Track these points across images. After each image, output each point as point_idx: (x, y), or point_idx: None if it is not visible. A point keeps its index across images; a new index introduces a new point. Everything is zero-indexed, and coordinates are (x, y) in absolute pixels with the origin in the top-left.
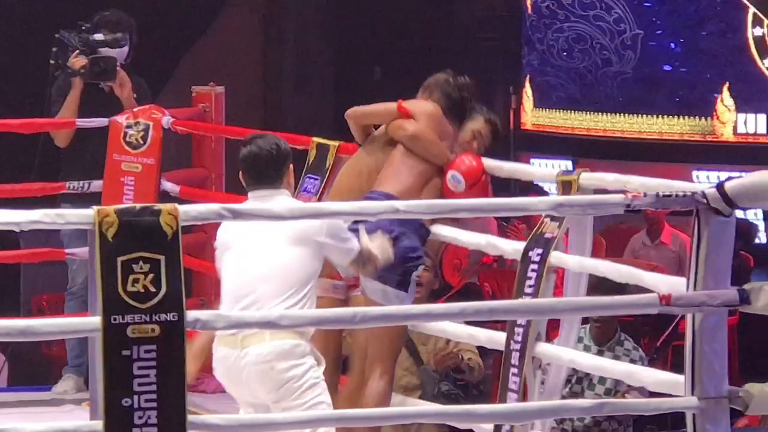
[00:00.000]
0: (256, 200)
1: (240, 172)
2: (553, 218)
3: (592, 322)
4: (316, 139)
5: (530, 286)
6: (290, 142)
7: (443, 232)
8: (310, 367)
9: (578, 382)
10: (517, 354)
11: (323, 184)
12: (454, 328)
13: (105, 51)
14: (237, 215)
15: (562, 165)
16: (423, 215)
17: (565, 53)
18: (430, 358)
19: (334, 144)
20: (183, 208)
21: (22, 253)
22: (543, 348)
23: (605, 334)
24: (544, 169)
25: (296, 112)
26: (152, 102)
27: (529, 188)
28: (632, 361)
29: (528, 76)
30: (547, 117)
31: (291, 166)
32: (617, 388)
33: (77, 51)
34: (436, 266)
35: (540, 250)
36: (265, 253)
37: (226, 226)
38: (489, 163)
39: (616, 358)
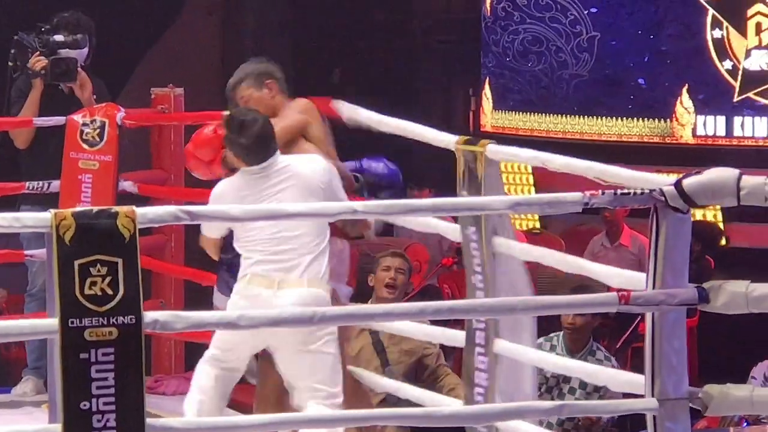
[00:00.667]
0: (288, 163)
1: (241, 157)
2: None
3: (565, 329)
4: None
5: (478, 265)
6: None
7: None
8: None
9: (548, 391)
10: (483, 335)
11: None
12: (414, 327)
13: (65, 52)
14: (194, 217)
15: (522, 167)
16: (381, 215)
17: (521, 56)
18: (400, 357)
19: None
20: (140, 211)
21: None
22: (503, 345)
23: (578, 342)
24: (440, 134)
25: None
26: (109, 101)
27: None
28: None
29: (487, 78)
30: (506, 119)
31: None
32: (589, 400)
33: (37, 52)
34: (411, 270)
35: (473, 228)
36: None
37: (221, 194)
38: (372, 116)
39: None
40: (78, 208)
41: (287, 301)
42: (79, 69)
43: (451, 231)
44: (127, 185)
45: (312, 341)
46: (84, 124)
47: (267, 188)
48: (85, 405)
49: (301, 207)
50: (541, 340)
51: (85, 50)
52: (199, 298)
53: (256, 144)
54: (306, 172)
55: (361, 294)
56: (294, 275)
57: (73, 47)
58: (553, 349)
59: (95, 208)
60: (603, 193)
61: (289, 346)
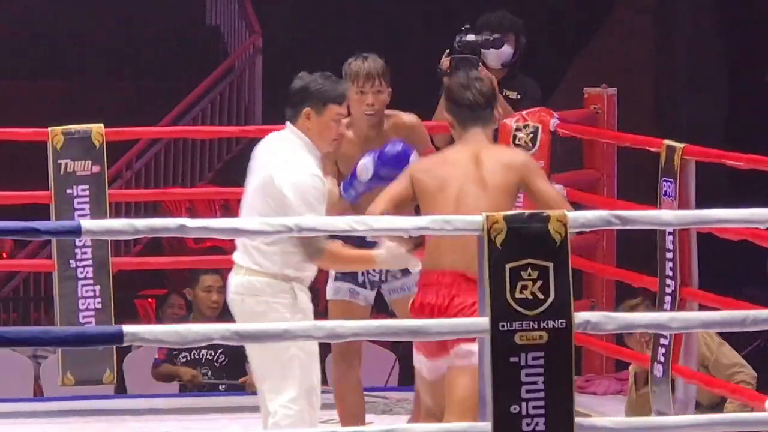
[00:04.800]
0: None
1: None
2: None
3: None
4: (666, 142)
5: None
6: (641, 144)
7: None
8: (283, 306)
9: None
10: None
11: (677, 187)
12: None
13: (489, 52)
14: (626, 222)
15: None
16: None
17: None
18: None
19: (680, 146)
20: (572, 215)
21: None
22: None
23: None
24: None
25: (689, 114)
26: (540, 102)
27: None
28: None
29: None
30: None
31: (310, 111)
32: None
33: (448, 51)
34: None
35: None
36: (250, 196)
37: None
38: None
39: None
40: (509, 212)
41: (229, 288)
42: (482, 68)
43: None
44: (557, 188)
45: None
46: (517, 129)
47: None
48: (515, 408)
49: (730, 213)
50: None
51: (505, 50)
52: (631, 298)
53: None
54: (271, 174)
55: None
56: (238, 262)
57: (485, 47)
58: None
59: (527, 212)
60: None
61: None
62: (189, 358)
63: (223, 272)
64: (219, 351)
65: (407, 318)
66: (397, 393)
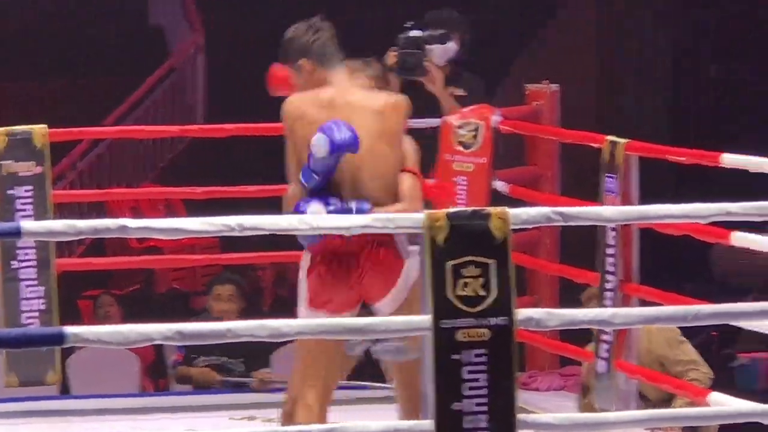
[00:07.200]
0: None
1: None
2: None
3: None
4: (608, 138)
5: None
6: (583, 140)
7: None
8: None
9: None
10: None
11: (620, 183)
12: None
13: (436, 48)
14: (567, 219)
15: None
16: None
17: None
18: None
19: (622, 141)
20: (513, 212)
21: None
22: None
23: None
24: None
25: (631, 111)
26: (485, 99)
27: None
28: None
29: None
30: None
31: None
32: None
33: (392, 47)
34: None
35: None
36: None
37: None
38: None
39: None
40: (452, 209)
41: None
42: (428, 64)
43: None
44: (499, 185)
45: None
46: (459, 126)
47: None
48: (456, 406)
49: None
50: None
51: (450, 46)
52: (573, 294)
53: None
54: None
55: None
56: None
57: (429, 42)
58: None
59: (469, 209)
60: None
61: None
62: (209, 364)
63: (239, 280)
64: (239, 359)
65: (402, 378)
66: None
